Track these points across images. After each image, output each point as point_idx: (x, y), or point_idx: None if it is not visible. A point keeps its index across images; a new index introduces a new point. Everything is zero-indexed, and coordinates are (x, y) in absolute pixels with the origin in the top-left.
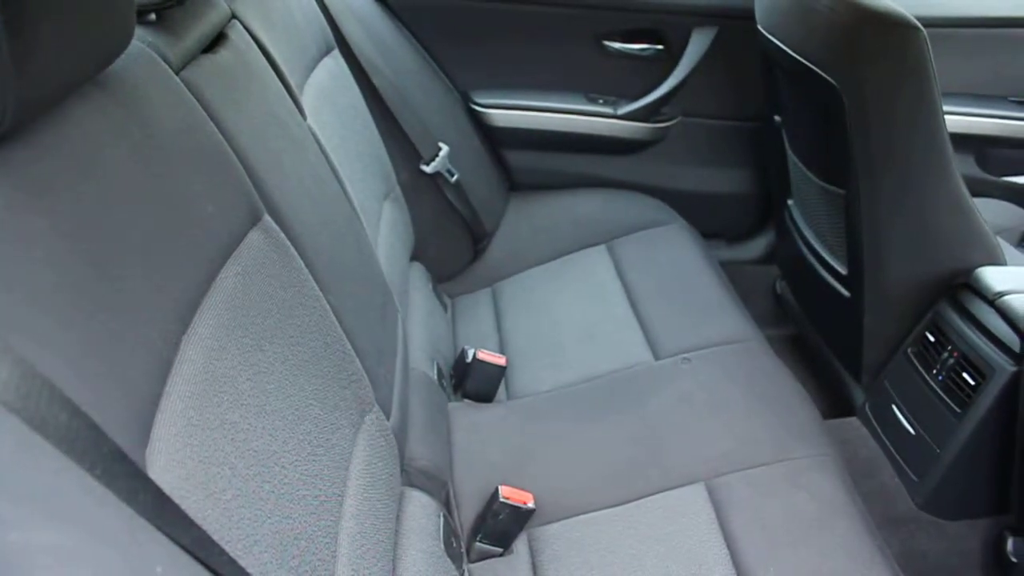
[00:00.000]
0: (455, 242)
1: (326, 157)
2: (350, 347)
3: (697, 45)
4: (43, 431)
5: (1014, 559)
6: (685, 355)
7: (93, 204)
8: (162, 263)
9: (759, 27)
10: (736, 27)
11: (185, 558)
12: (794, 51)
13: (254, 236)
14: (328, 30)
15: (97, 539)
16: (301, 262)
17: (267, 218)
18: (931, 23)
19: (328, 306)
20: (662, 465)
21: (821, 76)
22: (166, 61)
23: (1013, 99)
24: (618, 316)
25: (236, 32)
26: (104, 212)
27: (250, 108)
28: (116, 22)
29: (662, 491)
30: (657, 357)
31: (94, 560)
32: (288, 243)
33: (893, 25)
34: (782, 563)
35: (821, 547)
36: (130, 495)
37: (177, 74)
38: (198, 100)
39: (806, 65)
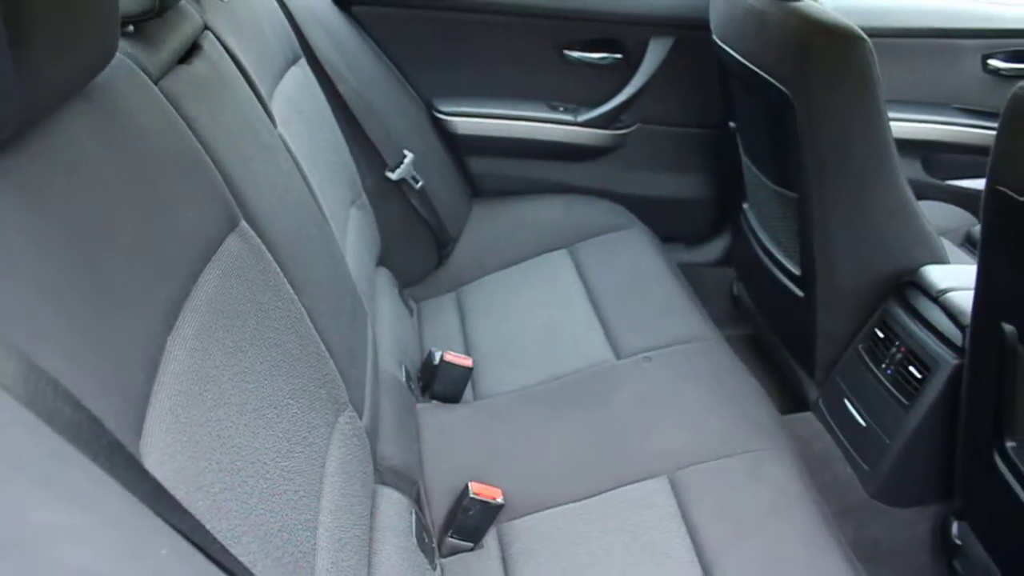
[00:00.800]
0: (420, 247)
1: (296, 164)
2: (324, 349)
3: (655, 54)
4: (50, 423)
5: (958, 542)
6: (646, 354)
7: (83, 209)
8: (147, 266)
9: (714, 37)
10: (692, 37)
11: (185, 544)
12: (748, 60)
13: (231, 241)
14: (295, 40)
15: (107, 522)
16: (276, 266)
17: (243, 224)
18: (876, 34)
19: (303, 309)
20: (626, 460)
21: (773, 84)
22: (144, 72)
23: (955, 106)
24: (580, 317)
25: (209, 43)
26: (93, 216)
27: (224, 117)
28: (104, 34)
29: (626, 484)
30: (619, 356)
31: (105, 541)
32: (264, 248)
33: (840, 36)
34: (742, 551)
35: (779, 535)
36: (131, 484)
37: (155, 84)
38: (176, 109)
39: (759, 74)
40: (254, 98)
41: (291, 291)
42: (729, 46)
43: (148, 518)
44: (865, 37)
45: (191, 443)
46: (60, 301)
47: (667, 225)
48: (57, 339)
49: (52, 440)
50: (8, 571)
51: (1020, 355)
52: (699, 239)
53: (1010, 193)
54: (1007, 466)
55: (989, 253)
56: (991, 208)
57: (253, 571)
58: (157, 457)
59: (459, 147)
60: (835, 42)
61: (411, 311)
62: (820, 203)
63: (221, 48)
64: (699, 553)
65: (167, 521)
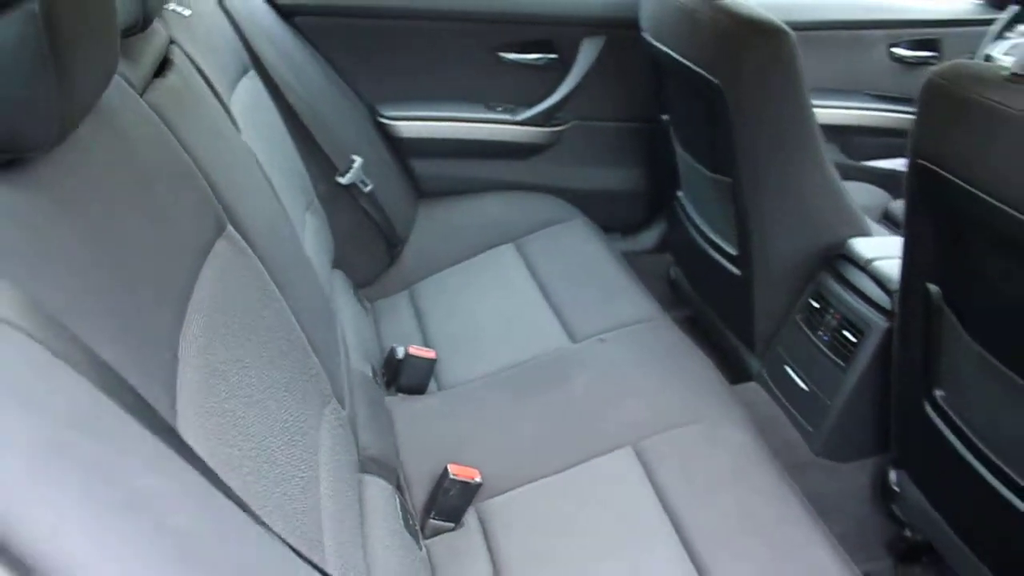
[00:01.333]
0: (372, 249)
1: (262, 170)
2: (308, 344)
3: (587, 54)
4: (123, 406)
5: (897, 489)
6: (600, 336)
7: (101, 217)
8: (157, 268)
9: (645, 35)
10: (622, 35)
11: (242, 514)
12: (681, 56)
13: (221, 245)
14: (244, 52)
15: (188, 491)
16: (262, 267)
17: (230, 228)
18: (794, 27)
19: (288, 307)
20: (591, 434)
21: (707, 78)
22: (131, 85)
23: (867, 92)
24: (533, 307)
25: (178, 56)
26: (110, 224)
27: (201, 127)
28: (109, 51)
29: (594, 457)
30: (574, 340)
31: (193, 506)
32: (249, 251)
33: (767, 30)
34: (708, 509)
35: (742, 492)
36: (189, 460)
37: (140, 97)
38: (162, 121)
39: (693, 68)
40: (222, 109)
41: (276, 291)
42: (662, 43)
43: (212, 489)
44: (789, 31)
45: (216, 430)
46: (92, 307)
47: (604, 216)
48: (101, 336)
49: (128, 421)
50: (123, 529)
51: (945, 313)
52: (635, 228)
53: (930, 166)
54: (937, 414)
55: (914, 221)
56: (914, 181)
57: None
58: (192, 439)
59: (403, 150)
60: (763, 37)
61: (367, 311)
62: (754, 186)
63: (188, 61)
64: (669, 514)
65: (223, 493)
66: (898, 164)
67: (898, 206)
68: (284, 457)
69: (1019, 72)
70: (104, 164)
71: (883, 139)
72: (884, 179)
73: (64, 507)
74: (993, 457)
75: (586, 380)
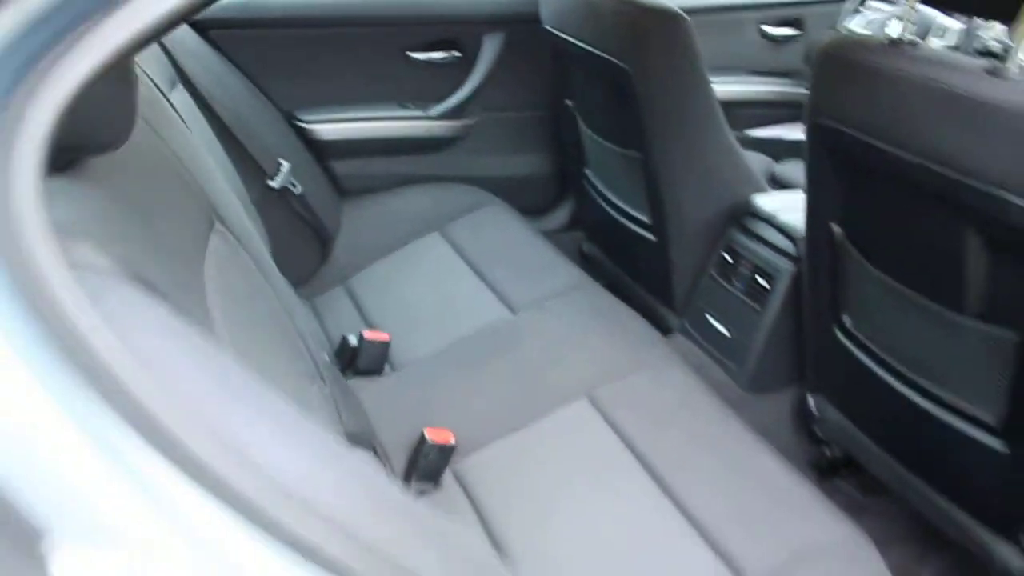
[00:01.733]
0: (305, 249)
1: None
2: (294, 329)
3: (489, 49)
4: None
5: (816, 411)
6: (538, 304)
7: (134, 219)
8: (181, 263)
9: (547, 27)
10: (521, 30)
11: None
12: (588, 45)
13: (214, 240)
14: (170, 67)
15: (281, 431)
16: (250, 259)
17: (218, 223)
18: (689, 12)
19: (275, 293)
20: (547, 391)
21: (614, 63)
22: None
23: (744, 68)
24: (469, 286)
25: (137, 68)
26: (142, 226)
27: (174, 130)
28: None
29: (554, 410)
30: (514, 312)
31: (288, 445)
32: (238, 243)
33: (667, 17)
34: (664, 439)
35: (690, 422)
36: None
37: None
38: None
39: (600, 55)
40: (177, 115)
41: (263, 279)
42: (566, 33)
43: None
44: (686, 16)
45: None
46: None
47: (517, 200)
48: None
49: (223, 360)
50: (227, 467)
51: (848, 249)
52: (546, 209)
53: (829, 122)
54: (846, 336)
55: (816, 171)
56: (815, 137)
57: None
58: None
59: (323, 152)
60: (665, 23)
61: (307, 308)
62: (664, 158)
63: (143, 73)
64: (630, 448)
65: None
66: (776, 131)
67: (781, 168)
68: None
69: (896, 39)
70: (123, 170)
71: (761, 110)
72: (766, 146)
73: None
74: (899, 367)
75: (533, 344)
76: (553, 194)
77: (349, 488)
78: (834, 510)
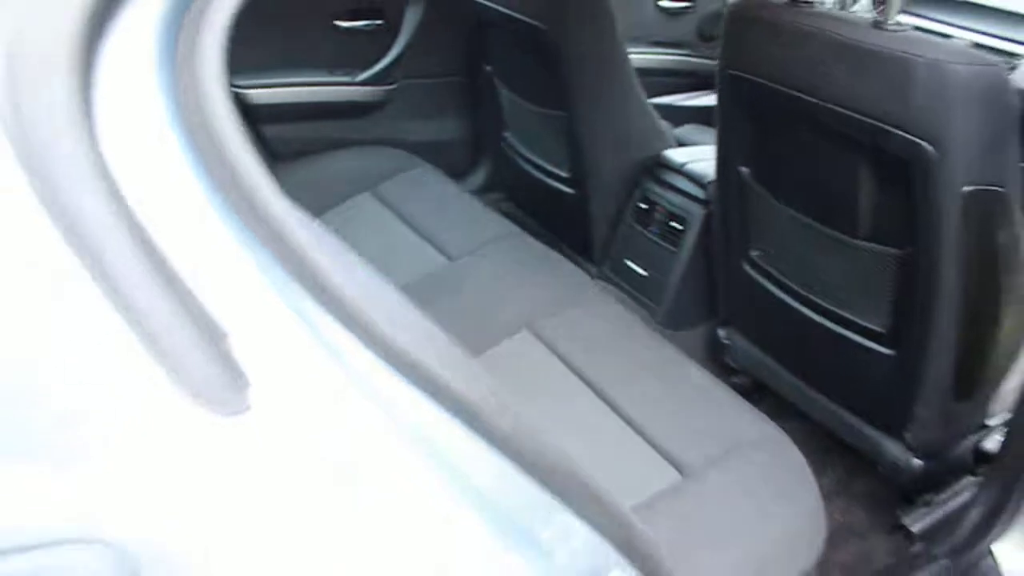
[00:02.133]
0: None
1: None
2: None
3: (412, 17)
4: None
5: (726, 341)
6: (473, 252)
7: None
8: None
9: None
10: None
11: None
12: (513, 11)
13: None
14: None
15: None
16: None
17: None
18: None
19: None
20: (492, 327)
21: (540, 28)
22: None
23: (643, 39)
24: (404, 239)
25: None
26: None
27: None
28: None
29: (499, 341)
30: (451, 259)
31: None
32: None
33: None
34: (607, 364)
35: (627, 347)
36: None
37: None
38: None
39: (523, 19)
40: None
41: None
42: (492, 2)
43: None
44: None
45: None
46: None
47: (437, 163)
48: None
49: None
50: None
51: (755, 188)
52: (464, 172)
53: (739, 73)
54: (754, 269)
55: (726, 118)
56: (726, 87)
57: None
58: None
59: (253, 116)
60: None
61: None
62: (586, 116)
63: None
64: (576, 374)
65: None
66: (675, 99)
67: (680, 131)
68: None
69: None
70: None
71: (659, 78)
72: (666, 112)
73: None
74: (802, 291)
75: (473, 286)
76: (470, 158)
77: (453, 353)
78: (758, 412)
